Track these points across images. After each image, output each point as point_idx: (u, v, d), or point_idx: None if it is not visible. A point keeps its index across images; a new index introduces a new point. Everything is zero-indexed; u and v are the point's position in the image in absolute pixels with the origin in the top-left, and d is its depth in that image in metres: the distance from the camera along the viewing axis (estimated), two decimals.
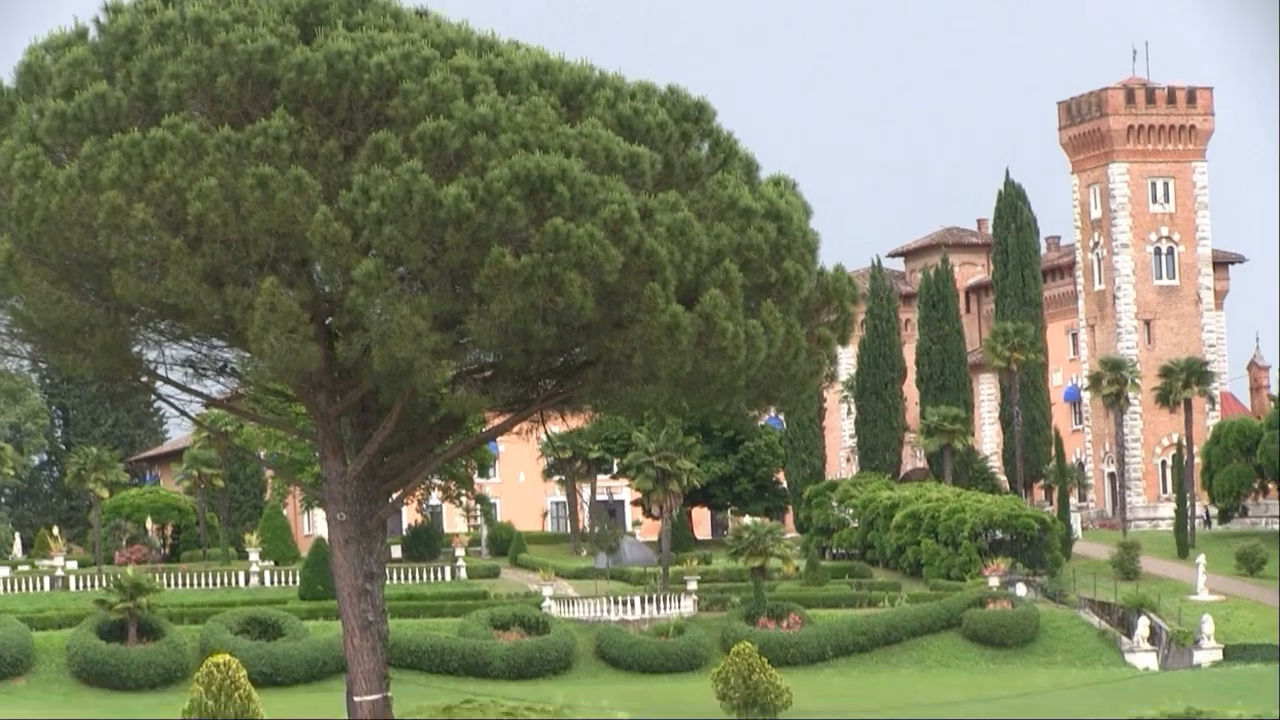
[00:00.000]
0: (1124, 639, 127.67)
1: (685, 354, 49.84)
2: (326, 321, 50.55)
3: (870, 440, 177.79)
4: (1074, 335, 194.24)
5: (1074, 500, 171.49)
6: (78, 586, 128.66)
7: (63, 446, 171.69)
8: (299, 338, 48.00)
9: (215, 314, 50.01)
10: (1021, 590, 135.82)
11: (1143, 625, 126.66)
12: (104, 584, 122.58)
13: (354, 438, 56.06)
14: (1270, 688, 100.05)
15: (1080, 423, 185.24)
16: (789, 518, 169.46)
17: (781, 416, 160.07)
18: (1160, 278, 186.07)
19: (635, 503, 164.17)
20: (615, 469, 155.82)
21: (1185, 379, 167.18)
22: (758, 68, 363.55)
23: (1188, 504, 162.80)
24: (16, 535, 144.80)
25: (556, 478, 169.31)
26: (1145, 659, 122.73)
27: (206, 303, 49.02)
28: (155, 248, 47.75)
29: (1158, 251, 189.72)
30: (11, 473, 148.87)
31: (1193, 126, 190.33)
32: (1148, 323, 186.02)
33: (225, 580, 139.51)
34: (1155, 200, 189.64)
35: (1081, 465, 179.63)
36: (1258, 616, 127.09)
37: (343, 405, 54.10)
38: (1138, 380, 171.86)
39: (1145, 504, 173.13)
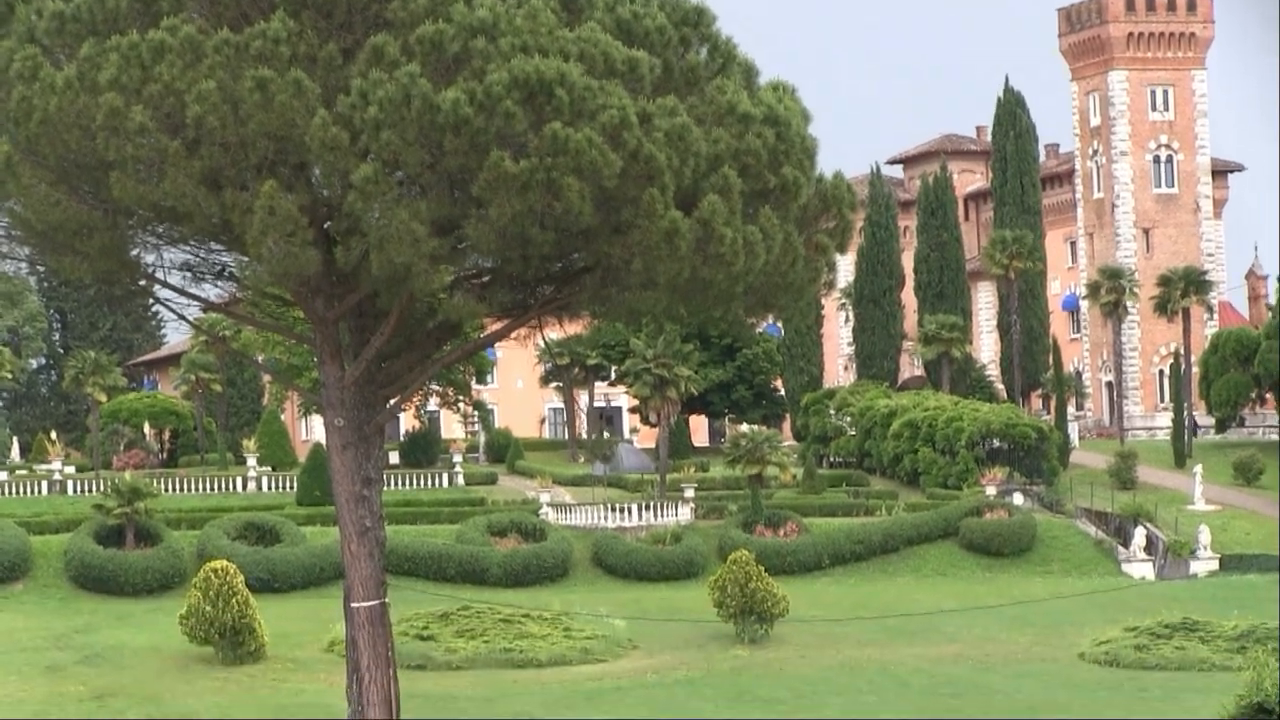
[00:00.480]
0: (1120, 549, 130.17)
1: (683, 260, 50.50)
2: (325, 226, 50.95)
3: (868, 348, 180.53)
4: (1072, 243, 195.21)
5: (1071, 409, 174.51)
6: (75, 491, 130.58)
7: (60, 350, 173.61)
8: (297, 241, 48.68)
9: (213, 217, 50.65)
10: (1018, 499, 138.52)
11: (1139, 535, 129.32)
12: (101, 488, 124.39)
13: (352, 343, 56.77)
14: (1267, 598, 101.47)
15: (1078, 331, 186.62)
16: (786, 425, 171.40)
17: (779, 324, 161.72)
18: (1159, 186, 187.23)
19: (633, 410, 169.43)
20: (613, 376, 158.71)
21: (1183, 288, 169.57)
22: None
23: (1185, 414, 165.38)
24: (14, 439, 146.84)
25: (554, 384, 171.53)
26: (1141, 569, 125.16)
27: (205, 206, 49.66)
28: (153, 150, 48.32)
29: (1156, 160, 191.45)
30: (9, 376, 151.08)
31: (1193, 34, 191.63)
32: (1146, 231, 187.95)
33: (223, 485, 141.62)
34: (1155, 108, 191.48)
35: (1079, 374, 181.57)
36: (1254, 527, 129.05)
37: (340, 310, 54.66)
38: (1136, 289, 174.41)
39: (1143, 413, 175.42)
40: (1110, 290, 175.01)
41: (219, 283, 61.46)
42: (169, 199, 49.63)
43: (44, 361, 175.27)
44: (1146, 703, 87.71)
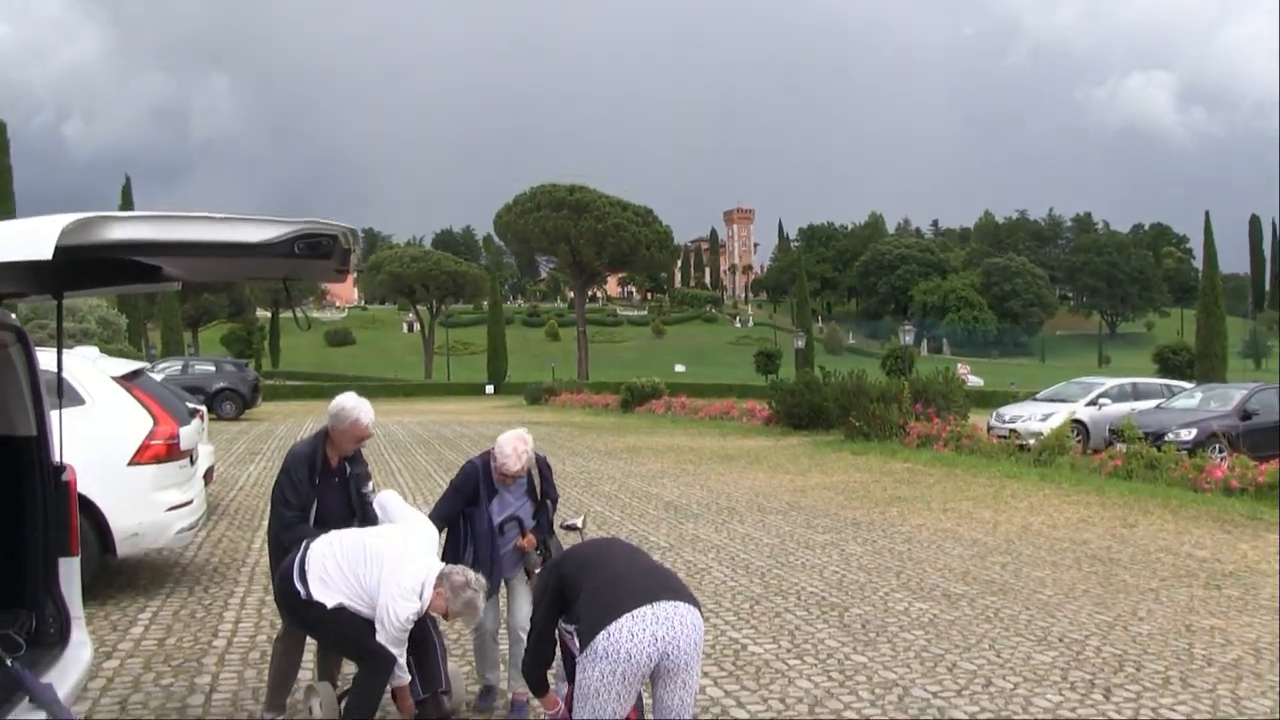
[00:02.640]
0: None
1: (648, 263, 74.80)
2: (574, 254, 70.71)
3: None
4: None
5: None
6: None
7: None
8: (568, 258, 70.24)
9: (553, 252, 73.30)
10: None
11: None
12: None
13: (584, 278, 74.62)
14: None
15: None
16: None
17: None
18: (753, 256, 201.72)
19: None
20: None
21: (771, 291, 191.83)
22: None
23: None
24: None
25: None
26: None
27: (550, 249, 72.26)
28: (546, 238, 70.27)
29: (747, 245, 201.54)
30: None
31: (752, 211, 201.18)
32: (747, 267, 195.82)
33: None
34: (743, 234, 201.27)
35: None
36: None
37: (579, 273, 73.79)
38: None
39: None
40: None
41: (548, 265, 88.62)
42: (545, 249, 73.15)
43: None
44: None
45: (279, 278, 4.28)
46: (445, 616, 4.18)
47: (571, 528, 4.41)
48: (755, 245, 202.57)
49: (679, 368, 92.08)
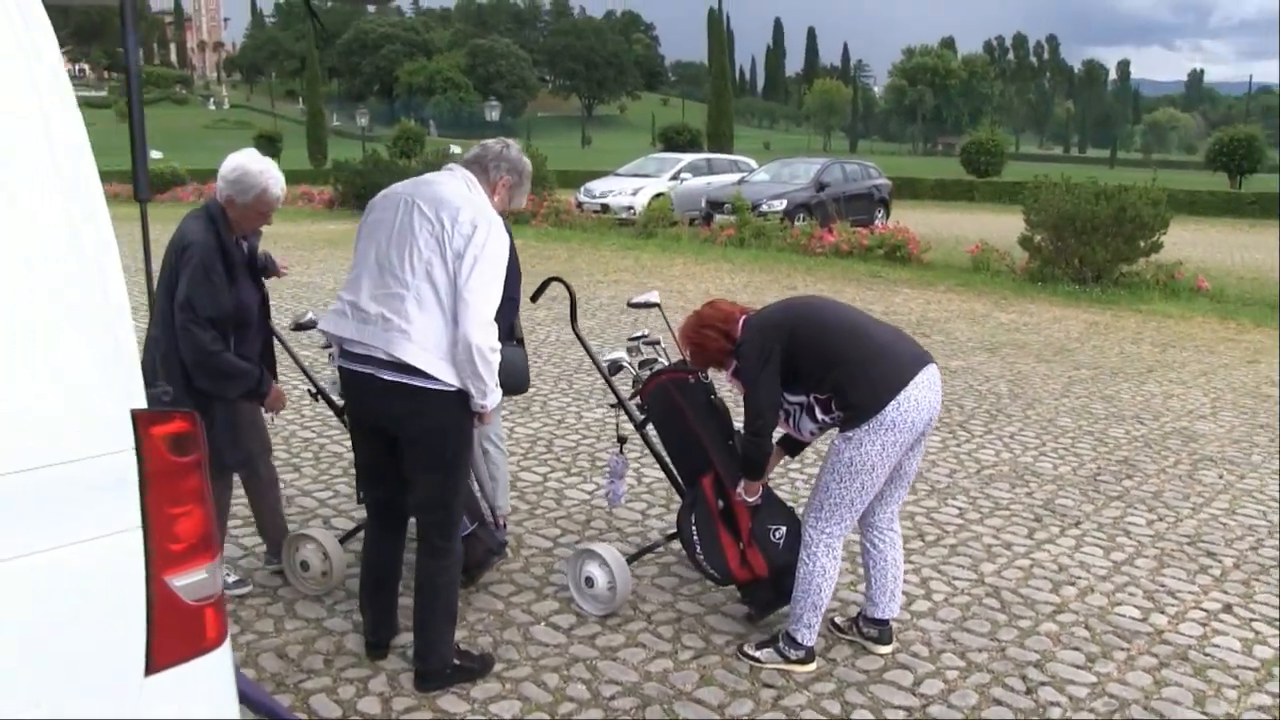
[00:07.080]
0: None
1: (119, 36, 75.65)
2: None
3: None
4: None
5: None
6: None
7: None
8: None
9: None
10: None
11: None
12: None
13: None
14: None
15: None
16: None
17: None
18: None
19: None
20: None
21: None
22: None
23: None
24: None
25: None
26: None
27: None
28: None
29: None
30: None
31: None
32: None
33: None
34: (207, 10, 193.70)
35: None
36: None
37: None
38: None
39: None
40: None
41: None
42: None
43: None
44: None
45: None
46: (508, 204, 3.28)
47: (647, 304, 3.72)
48: (226, 20, 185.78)
49: (155, 154, 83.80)
